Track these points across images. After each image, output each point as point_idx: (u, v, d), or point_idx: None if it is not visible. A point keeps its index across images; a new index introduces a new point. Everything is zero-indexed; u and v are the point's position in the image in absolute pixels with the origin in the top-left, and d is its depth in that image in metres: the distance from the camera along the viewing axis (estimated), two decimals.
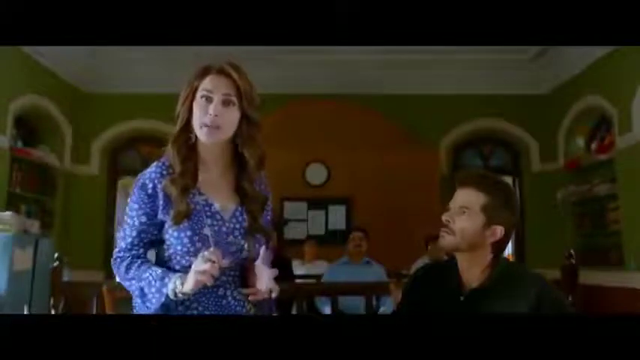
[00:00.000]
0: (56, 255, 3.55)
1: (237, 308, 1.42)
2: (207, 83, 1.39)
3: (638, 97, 4.36)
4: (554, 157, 5.68)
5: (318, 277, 4.31)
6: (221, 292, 1.41)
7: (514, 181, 6.02)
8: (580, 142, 5.50)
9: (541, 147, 5.82)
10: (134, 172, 5.96)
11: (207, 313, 1.38)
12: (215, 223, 1.40)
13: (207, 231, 1.37)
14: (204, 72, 1.41)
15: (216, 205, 1.42)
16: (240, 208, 1.46)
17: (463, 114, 5.80)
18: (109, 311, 2.13)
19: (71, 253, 4.72)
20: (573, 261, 3.53)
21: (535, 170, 5.85)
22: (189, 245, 1.36)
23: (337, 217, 5.35)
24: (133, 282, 1.37)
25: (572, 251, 3.85)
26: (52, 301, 3.31)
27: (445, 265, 1.65)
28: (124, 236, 1.41)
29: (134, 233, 1.40)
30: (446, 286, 1.60)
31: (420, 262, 4.32)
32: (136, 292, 1.38)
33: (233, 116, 1.40)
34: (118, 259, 1.42)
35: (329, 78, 5.66)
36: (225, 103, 1.39)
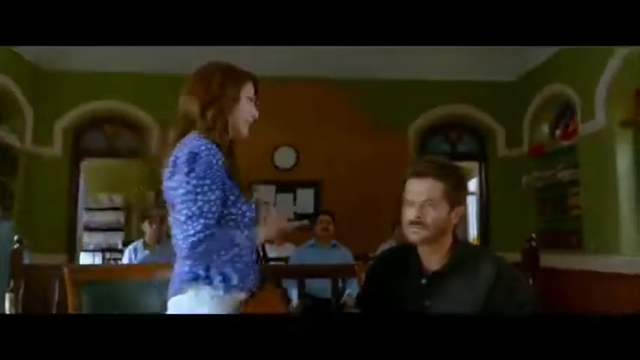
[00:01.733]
0: (16, 237, 3.47)
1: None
2: (251, 89, 1.69)
3: (601, 86, 4.47)
4: (519, 143, 5.78)
5: (285, 259, 4.32)
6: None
7: (480, 166, 6.12)
8: (545, 128, 5.61)
9: (507, 133, 5.91)
10: (98, 154, 5.85)
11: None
12: None
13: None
14: (247, 78, 1.70)
15: None
16: None
17: (431, 100, 5.84)
18: (70, 295, 2.10)
19: (32, 235, 4.62)
20: (534, 244, 3.62)
21: (501, 156, 5.95)
22: (254, 211, 1.63)
23: (306, 200, 5.36)
24: (223, 252, 1.51)
25: (533, 235, 3.95)
26: (12, 284, 3.24)
27: (406, 249, 1.69)
28: (202, 212, 1.46)
29: (213, 209, 1.49)
30: (408, 269, 1.64)
31: (386, 246, 4.36)
32: (228, 260, 1.54)
33: None
34: (204, 237, 1.46)
35: (299, 62, 5.62)
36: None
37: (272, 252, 4.67)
